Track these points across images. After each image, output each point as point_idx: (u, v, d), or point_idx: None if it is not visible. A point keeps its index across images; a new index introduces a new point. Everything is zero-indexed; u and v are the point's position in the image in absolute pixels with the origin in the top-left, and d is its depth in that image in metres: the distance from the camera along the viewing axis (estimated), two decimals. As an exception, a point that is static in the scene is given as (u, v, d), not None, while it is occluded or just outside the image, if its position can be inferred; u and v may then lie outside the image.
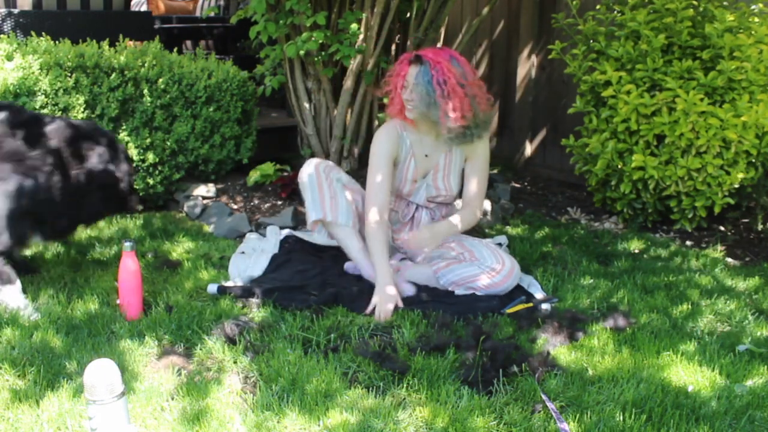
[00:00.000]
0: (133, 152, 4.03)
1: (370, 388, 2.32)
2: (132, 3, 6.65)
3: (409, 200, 3.32)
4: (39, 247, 3.57)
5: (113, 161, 3.09)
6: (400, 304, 2.91)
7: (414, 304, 2.95)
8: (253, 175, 4.42)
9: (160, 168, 4.19)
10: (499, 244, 3.60)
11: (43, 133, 2.93)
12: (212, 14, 7.16)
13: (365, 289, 3.07)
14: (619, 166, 4.00)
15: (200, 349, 2.54)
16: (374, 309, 2.88)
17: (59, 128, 2.97)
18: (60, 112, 3.76)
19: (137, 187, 4.11)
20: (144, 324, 2.71)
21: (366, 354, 2.47)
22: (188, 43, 7.38)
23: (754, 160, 3.80)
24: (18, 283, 2.85)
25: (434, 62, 2.94)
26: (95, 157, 3.02)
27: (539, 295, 3.10)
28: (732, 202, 3.87)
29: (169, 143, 4.18)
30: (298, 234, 3.68)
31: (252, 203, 4.29)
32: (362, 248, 3.17)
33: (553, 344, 2.65)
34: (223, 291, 3.03)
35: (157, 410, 2.19)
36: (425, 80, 2.93)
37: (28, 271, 3.19)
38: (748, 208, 4.17)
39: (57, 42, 4.10)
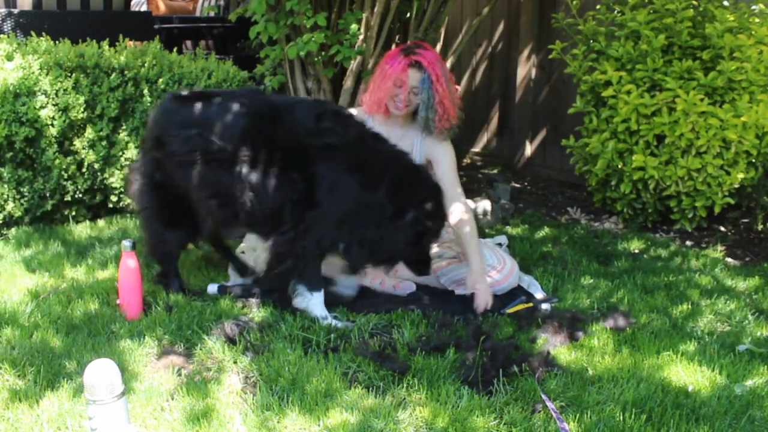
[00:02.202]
0: (133, 152, 4.03)
1: (370, 388, 2.32)
2: (132, 3, 6.66)
3: None
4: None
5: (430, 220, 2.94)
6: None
7: (414, 304, 2.95)
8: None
9: (160, 168, 4.19)
10: (499, 244, 3.60)
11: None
12: (212, 14, 7.16)
13: (365, 289, 3.08)
14: (619, 166, 4.00)
15: (200, 349, 2.54)
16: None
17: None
18: (60, 112, 3.76)
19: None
20: (144, 324, 2.71)
21: (366, 354, 2.47)
22: (188, 43, 7.38)
23: (754, 160, 3.80)
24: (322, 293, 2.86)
25: (432, 68, 3.08)
26: (415, 210, 2.89)
27: (539, 295, 3.10)
28: (732, 202, 3.87)
29: (169, 143, 4.17)
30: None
31: (252, 203, 4.28)
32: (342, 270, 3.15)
33: (553, 344, 2.65)
34: (223, 291, 3.03)
35: (157, 410, 2.19)
36: (427, 86, 3.08)
37: None
38: (748, 208, 4.17)
39: (57, 42, 4.10)
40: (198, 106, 2.89)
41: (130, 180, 3.05)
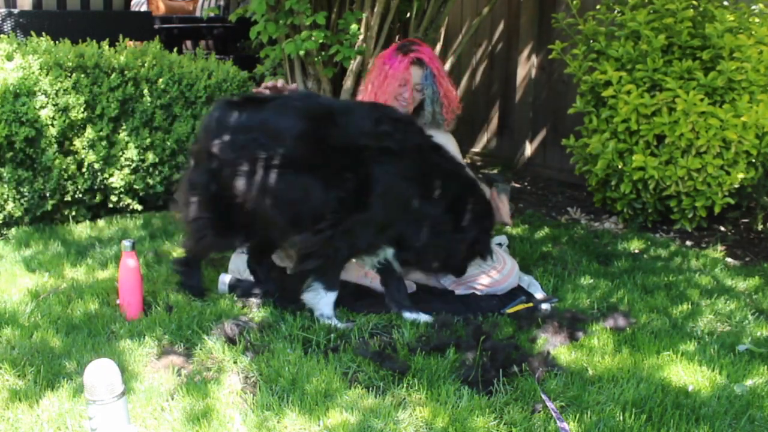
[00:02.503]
0: (133, 152, 4.03)
1: (370, 388, 2.32)
2: (132, 3, 6.66)
3: None
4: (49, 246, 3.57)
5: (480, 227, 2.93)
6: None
7: (414, 304, 2.95)
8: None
9: (160, 168, 4.19)
10: (499, 244, 3.60)
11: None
12: (212, 14, 7.17)
13: (365, 289, 3.08)
14: (620, 166, 4.00)
15: (200, 349, 2.54)
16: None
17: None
18: (60, 113, 3.77)
19: (137, 187, 4.12)
20: (144, 324, 2.71)
21: (366, 354, 2.47)
22: (188, 43, 7.39)
23: (754, 160, 3.80)
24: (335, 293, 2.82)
25: (432, 63, 3.19)
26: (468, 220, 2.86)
27: (539, 295, 3.10)
28: (732, 202, 3.87)
29: (169, 143, 4.18)
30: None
31: (252, 203, 4.28)
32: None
33: (553, 344, 2.64)
34: (234, 288, 3.04)
35: (157, 410, 2.19)
36: (431, 81, 3.18)
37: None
38: (748, 208, 4.17)
39: (57, 42, 4.10)
40: (251, 111, 2.80)
41: (182, 193, 2.93)
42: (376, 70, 3.25)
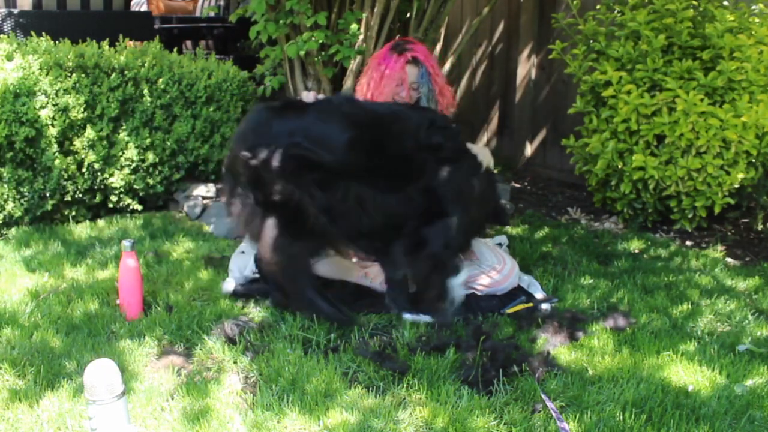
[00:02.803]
0: (133, 152, 4.03)
1: (370, 388, 2.32)
2: (132, 3, 6.66)
3: None
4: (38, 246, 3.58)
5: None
6: None
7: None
8: (253, 175, 4.41)
9: (160, 168, 4.19)
10: (499, 244, 3.60)
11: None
12: (212, 14, 7.17)
13: (365, 289, 3.08)
14: (619, 166, 4.00)
15: (200, 349, 2.54)
16: None
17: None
18: (60, 113, 3.77)
19: (137, 187, 4.12)
20: (144, 324, 2.72)
21: (366, 354, 2.47)
22: (188, 43, 7.38)
23: (754, 160, 3.80)
24: None
25: (427, 62, 3.20)
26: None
27: (539, 295, 3.10)
28: (732, 202, 3.87)
29: (169, 143, 4.18)
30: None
31: (252, 203, 4.28)
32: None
33: (553, 344, 2.65)
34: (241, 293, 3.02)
35: (157, 410, 2.19)
36: (426, 80, 3.17)
37: None
38: (748, 208, 4.17)
39: (57, 42, 4.10)
40: (292, 115, 2.67)
41: (229, 204, 2.77)
42: (372, 70, 3.25)
